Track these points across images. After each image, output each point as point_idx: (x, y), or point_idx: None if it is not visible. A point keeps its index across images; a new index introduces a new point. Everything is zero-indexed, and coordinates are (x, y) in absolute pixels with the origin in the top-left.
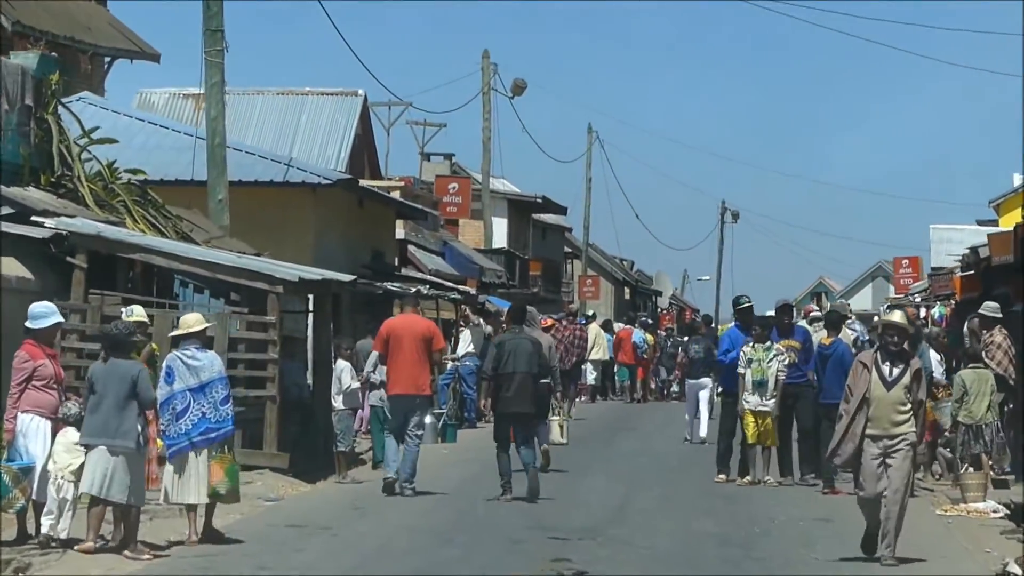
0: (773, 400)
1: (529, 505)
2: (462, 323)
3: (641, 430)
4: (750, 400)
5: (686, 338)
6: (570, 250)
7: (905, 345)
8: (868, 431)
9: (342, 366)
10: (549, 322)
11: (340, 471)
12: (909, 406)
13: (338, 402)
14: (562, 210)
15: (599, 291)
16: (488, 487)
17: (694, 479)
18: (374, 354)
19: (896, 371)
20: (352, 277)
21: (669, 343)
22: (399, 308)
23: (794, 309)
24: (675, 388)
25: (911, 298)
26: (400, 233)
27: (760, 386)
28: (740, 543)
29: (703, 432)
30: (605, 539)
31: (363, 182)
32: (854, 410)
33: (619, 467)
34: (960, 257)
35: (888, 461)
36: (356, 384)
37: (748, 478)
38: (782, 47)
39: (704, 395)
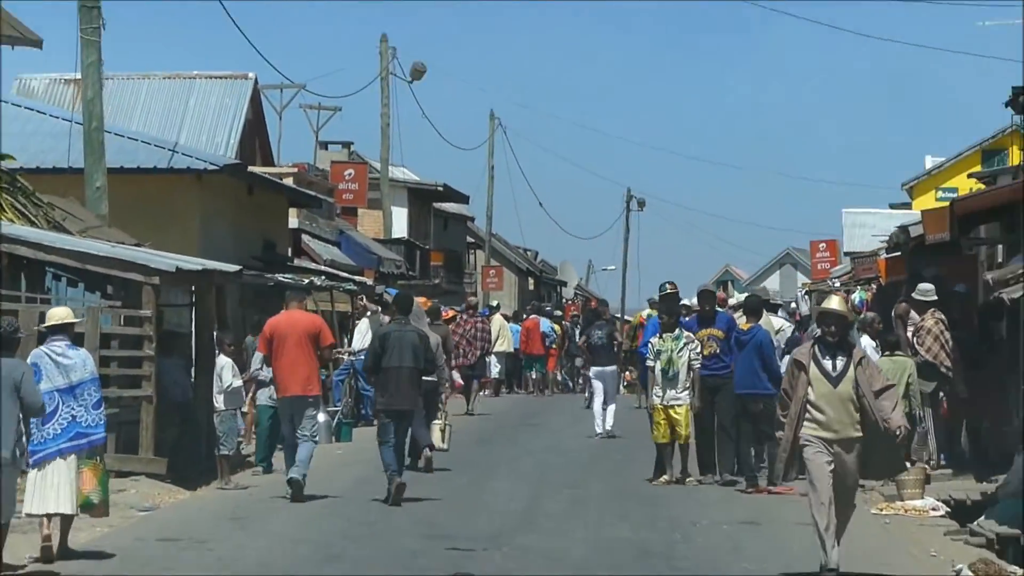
0: (687, 392)
1: (427, 511)
2: (358, 315)
3: (548, 426)
4: (659, 394)
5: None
6: (473, 240)
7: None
8: (817, 433)
9: (223, 363)
10: (450, 314)
11: (222, 476)
12: (858, 403)
13: (219, 402)
14: (464, 199)
15: (502, 281)
16: (383, 490)
17: (606, 479)
18: (259, 353)
19: (840, 364)
20: (237, 267)
21: (577, 331)
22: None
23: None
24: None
25: (831, 283)
26: (294, 222)
27: (670, 379)
28: (661, 552)
29: (610, 423)
30: (511, 549)
31: (254, 169)
32: (796, 417)
33: (525, 467)
34: (887, 238)
35: (839, 468)
36: (238, 382)
37: (665, 477)
38: (693, 28)
39: (611, 384)
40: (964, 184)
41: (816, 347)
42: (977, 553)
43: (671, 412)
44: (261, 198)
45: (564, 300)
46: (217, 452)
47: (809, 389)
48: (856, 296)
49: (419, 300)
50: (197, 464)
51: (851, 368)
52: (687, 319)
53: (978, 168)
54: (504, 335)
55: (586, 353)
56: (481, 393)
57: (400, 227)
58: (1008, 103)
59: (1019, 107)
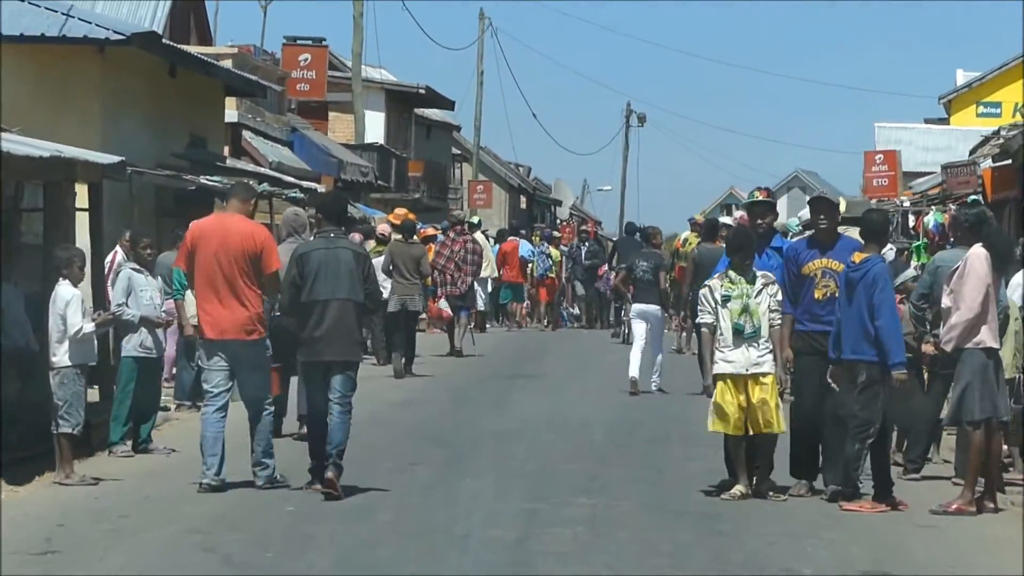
0: (770, 355)
1: (362, 539)
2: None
3: (547, 378)
4: (732, 359)
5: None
6: (459, 152)
7: None
8: None
9: (67, 296)
10: (428, 232)
11: (62, 465)
12: None
13: (59, 354)
14: (449, 104)
15: (491, 198)
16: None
17: (639, 478)
18: (125, 275)
19: None
20: (118, 159)
21: (585, 251)
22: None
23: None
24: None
25: (899, 201)
26: (232, 115)
27: (748, 337)
28: None
29: (657, 379)
30: None
31: (181, 47)
32: None
33: (517, 451)
34: (998, 142)
35: None
36: (89, 326)
37: (739, 488)
38: None
39: (657, 327)
40: (1008, 97)
41: None
42: None
43: (753, 387)
44: (188, 82)
45: (559, 221)
46: (55, 429)
47: None
48: (930, 219)
49: (399, 212)
50: (45, 442)
51: None
52: (788, 244)
53: (1020, 82)
54: (487, 258)
55: (623, 288)
56: (469, 328)
57: (376, 134)
58: None
59: None
